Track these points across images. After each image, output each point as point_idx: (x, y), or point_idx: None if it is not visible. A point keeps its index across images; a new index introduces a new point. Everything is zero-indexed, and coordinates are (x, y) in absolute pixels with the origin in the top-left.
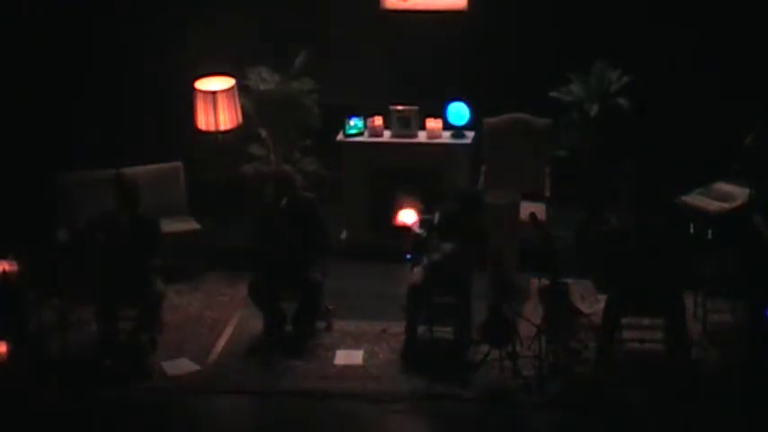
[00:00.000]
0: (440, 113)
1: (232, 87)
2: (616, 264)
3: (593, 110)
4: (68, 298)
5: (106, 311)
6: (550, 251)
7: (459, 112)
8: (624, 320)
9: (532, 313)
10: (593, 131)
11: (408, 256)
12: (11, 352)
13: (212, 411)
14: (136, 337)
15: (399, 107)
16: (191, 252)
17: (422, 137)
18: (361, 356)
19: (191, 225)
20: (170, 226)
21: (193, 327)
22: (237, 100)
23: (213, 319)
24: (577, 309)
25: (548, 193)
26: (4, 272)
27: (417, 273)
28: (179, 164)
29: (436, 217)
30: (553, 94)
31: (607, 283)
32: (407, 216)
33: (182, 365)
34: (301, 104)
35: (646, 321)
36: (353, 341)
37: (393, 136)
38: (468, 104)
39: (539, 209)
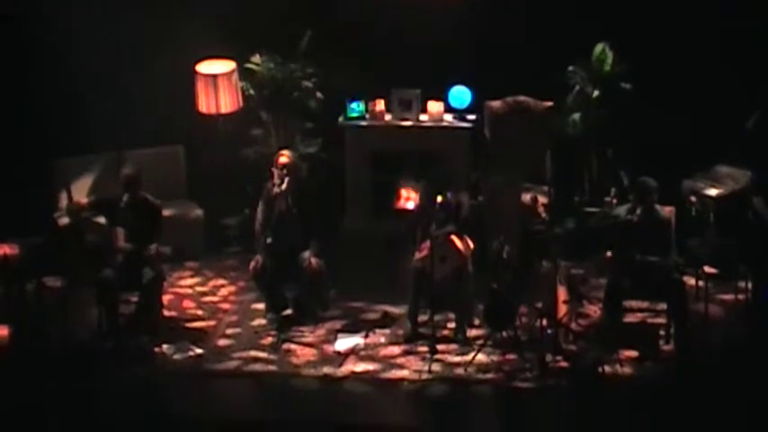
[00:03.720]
0: (441, 96)
1: (233, 70)
2: (617, 247)
3: (595, 93)
4: (69, 281)
5: (107, 295)
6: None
7: (460, 95)
8: (626, 303)
9: (533, 297)
10: (595, 114)
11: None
12: (12, 335)
13: (214, 395)
14: (137, 320)
15: (401, 90)
16: (191, 235)
17: (423, 120)
18: (362, 341)
19: (191, 208)
20: (171, 209)
21: (195, 310)
22: (238, 83)
23: (214, 303)
24: (578, 292)
25: (549, 176)
26: (5, 255)
27: (419, 257)
28: (180, 147)
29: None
30: (555, 76)
31: (608, 266)
32: (409, 200)
33: (183, 349)
34: (302, 88)
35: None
36: (354, 325)
37: (394, 119)
38: (470, 87)
39: (540, 192)
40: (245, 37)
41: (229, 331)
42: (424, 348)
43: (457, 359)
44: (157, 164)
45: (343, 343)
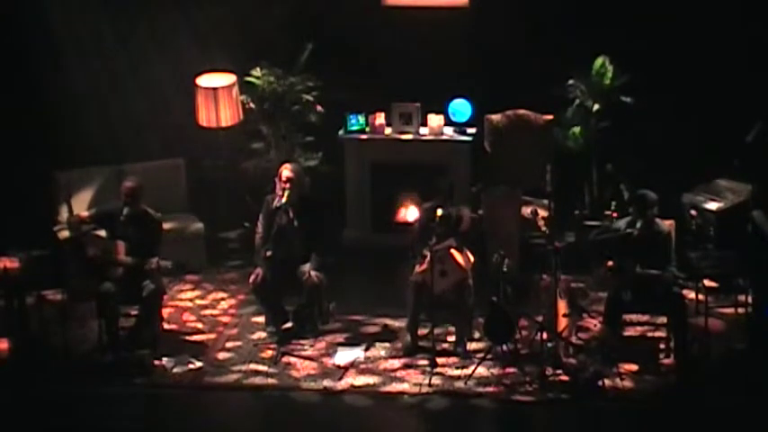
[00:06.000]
0: (441, 110)
1: (233, 84)
2: (618, 260)
3: (595, 106)
4: (70, 294)
5: (107, 308)
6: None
7: (460, 108)
8: (626, 316)
9: (533, 310)
10: (595, 128)
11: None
12: (12, 348)
13: (213, 408)
14: (137, 333)
15: (401, 103)
16: (192, 249)
17: (423, 133)
18: (362, 353)
19: (192, 222)
20: (171, 222)
21: (194, 323)
22: (239, 96)
23: (214, 316)
24: (579, 305)
25: (549, 190)
26: (6, 268)
27: (419, 270)
28: (180, 160)
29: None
30: (555, 90)
31: (608, 279)
32: (409, 213)
33: (183, 362)
34: (303, 101)
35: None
36: (354, 338)
37: (394, 132)
38: (470, 101)
39: (541, 205)
40: (245, 50)
41: (229, 344)
42: (425, 361)
43: (457, 372)
44: (158, 177)
45: (343, 356)
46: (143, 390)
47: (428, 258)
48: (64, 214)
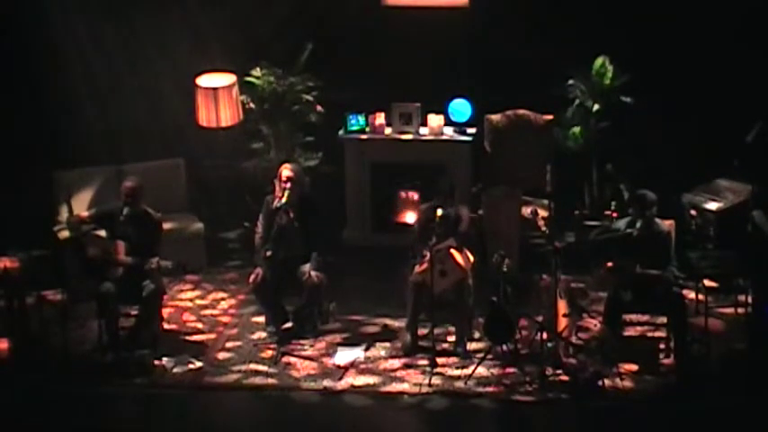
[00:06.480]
0: (441, 110)
1: (233, 84)
2: (617, 260)
3: (595, 106)
4: (70, 294)
5: (107, 308)
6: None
7: (460, 108)
8: (626, 317)
9: (533, 310)
10: (595, 128)
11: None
12: (12, 348)
13: (213, 408)
14: (137, 333)
15: (401, 104)
16: (192, 249)
17: (423, 133)
18: (361, 353)
19: (192, 222)
20: (171, 222)
21: (194, 323)
22: (239, 96)
23: (214, 316)
24: (579, 305)
25: (549, 190)
26: (6, 268)
27: (418, 270)
28: (180, 160)
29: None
30: (555, 90)
31: (608, 279)
32: (408, 216)
33: (183, 362)
34: (303, 101)
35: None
36: (354, 338)
37: (394, 132)
38: (470, 101)
39: (540, 205)
40: (245, 50)
41: (229, 344)
42: (424, 361)
43: (457, 372)
44: (158, 177)
45: (343, 356)
46: (143, 390)
47: (428, 258)
48: (64, 214)
